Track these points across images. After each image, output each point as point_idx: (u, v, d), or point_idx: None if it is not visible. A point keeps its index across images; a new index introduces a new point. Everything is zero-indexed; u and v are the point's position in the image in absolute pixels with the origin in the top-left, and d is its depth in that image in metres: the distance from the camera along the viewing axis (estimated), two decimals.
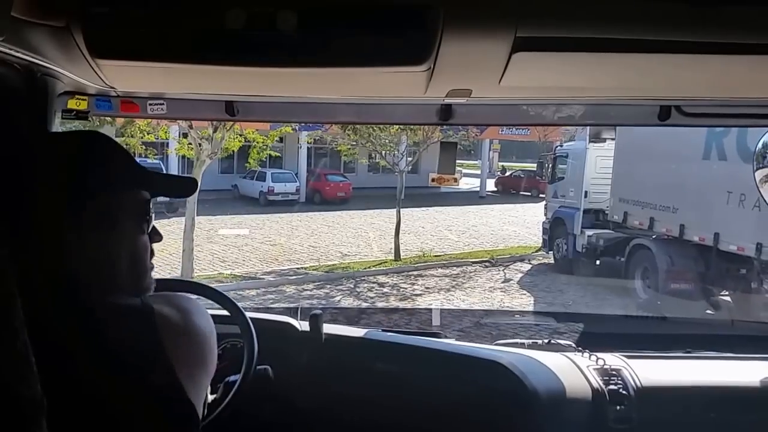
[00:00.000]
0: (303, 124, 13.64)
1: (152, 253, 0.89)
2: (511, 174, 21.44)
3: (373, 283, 9.01)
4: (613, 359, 1.70)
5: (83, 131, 0.95)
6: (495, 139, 20.53)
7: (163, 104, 1.46)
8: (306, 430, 1.52)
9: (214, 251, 10.55)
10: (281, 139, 12.25)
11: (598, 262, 9.12)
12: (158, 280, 1.00)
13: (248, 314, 1.41)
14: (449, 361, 1.66)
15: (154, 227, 0.89)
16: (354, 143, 13.19)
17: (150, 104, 1.45)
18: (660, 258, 7.52)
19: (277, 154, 12.77)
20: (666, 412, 1.61)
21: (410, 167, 20.64)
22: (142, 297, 0.81)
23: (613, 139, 8.90)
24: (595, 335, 2.19)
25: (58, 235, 0.72)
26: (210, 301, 1.39)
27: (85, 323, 0.69)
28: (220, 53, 0.90)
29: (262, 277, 8.98)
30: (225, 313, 1.40)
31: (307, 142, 17.85)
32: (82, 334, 0.67)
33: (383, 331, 1.80)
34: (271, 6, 0.85)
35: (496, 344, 1.80)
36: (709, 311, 7.41)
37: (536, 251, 10.98)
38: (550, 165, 10.67)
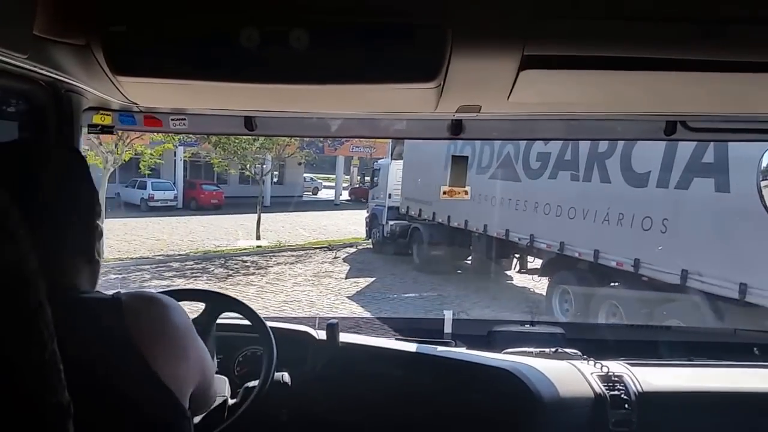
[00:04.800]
0: (182, 140, 16.21)
1: None
2: (360, 185, 25.64)
3: (239, 260, 12.30)
4: (616, 366, 1.75)
5: (64, 145, 1.10)
6: (346, 155, 24.57)
7: (184, 119, 1.49)
8: None
9: (109, 244, 13.09)
10: (161, 154, 14.85)
11: (406, 243, 12.98)
12: (187, 290, 1.30)
13: (268, 323, 1.45)
14: (460, 369, 1.69)
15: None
16: (225, 158, 16.16)
17: (172, 119, 1.49)
18: (425, 235, 11.65)
19: (160, 161, 15.36)
20: (666, 416, 1.64)
21: (276, 179, 24.07)
22: (125, 292, 0.84)
23: None
24: (600, 342, 2.18)
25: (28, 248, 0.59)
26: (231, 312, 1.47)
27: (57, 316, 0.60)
28: (236, 71, 0.92)
29: (153, 257, 11.88)
30: (247, 322, 1.47)
31: (184, 157, 20.37)
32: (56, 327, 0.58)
33: (396, 339, 1.84)
34: (285, 25, 0.87)
35: (505, 353, 1.83)
36: (459, 271, 11.56)
37: (364, 240, 14.90)
38: (371, 176, 14.75)
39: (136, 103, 1.37)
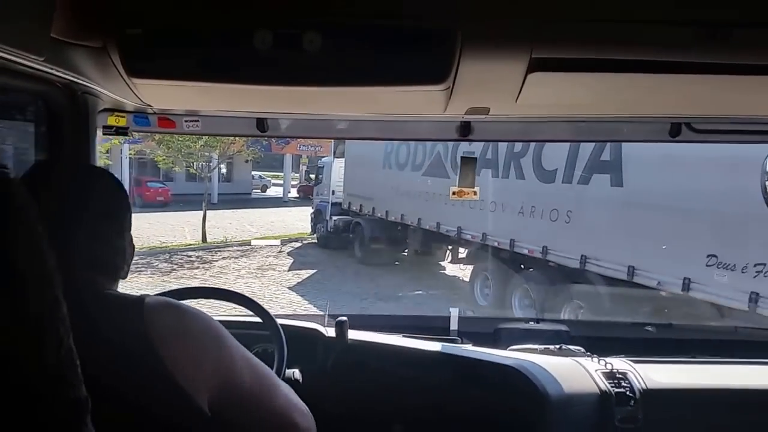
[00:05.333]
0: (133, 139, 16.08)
1: None
2: (308, 183, 25.99)
3: (184, 255, 12.52)
4: (620, 363, 1.76)
5: (95, 167, 1.16)
6: (293, 153, 24.89)
7: (198, 121, 1.50)
8: (331, 430, 1.46)
9: None
10: (107, 150, 14.75)
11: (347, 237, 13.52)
12: (200, 288, 1.33)
13: (278, 321, 1.45)
14: (466, 366, 1.70)
15: None
16: (169, 155, 16.17)
17: (186, 121, 1.50)
18: (366, 229, 12.21)
19: (108, 161, 15.25)
20: (670, 413, 1.65)
21: (224, 176, 24.05)
22: (143, 295, 0.87)
23: None
24: (604, 340, 2.16)
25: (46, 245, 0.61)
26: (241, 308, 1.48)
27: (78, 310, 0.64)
28: (249, 73, 0.93)
29: None
30: (257, 319, 1.47)
31: (130, 155, 20.15)
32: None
33: (404, 336, 1.85)
34: (297, 27, 0.89)
35: (511, 350, 1.84)
36: (396, 262, 12.16)
37: (309, 235, 15.34)
38: (315, 174, 15.21)
39: (150, 105, 1.39)
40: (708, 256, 5.62)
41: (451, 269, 11.26)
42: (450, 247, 10.63)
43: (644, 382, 1.69)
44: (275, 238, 15.05)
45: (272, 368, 1.40)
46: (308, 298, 9.07)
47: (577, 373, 1.72)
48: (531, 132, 1.58)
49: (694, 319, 5.95)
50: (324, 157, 15.67)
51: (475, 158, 1.77)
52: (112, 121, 1.47)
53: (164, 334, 0.81)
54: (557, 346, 1.90)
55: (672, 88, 1.09)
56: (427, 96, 1.07)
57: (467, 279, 9.75)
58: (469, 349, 1.81)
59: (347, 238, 12.94)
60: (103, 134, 1.48)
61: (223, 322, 1.76)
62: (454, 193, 1.74)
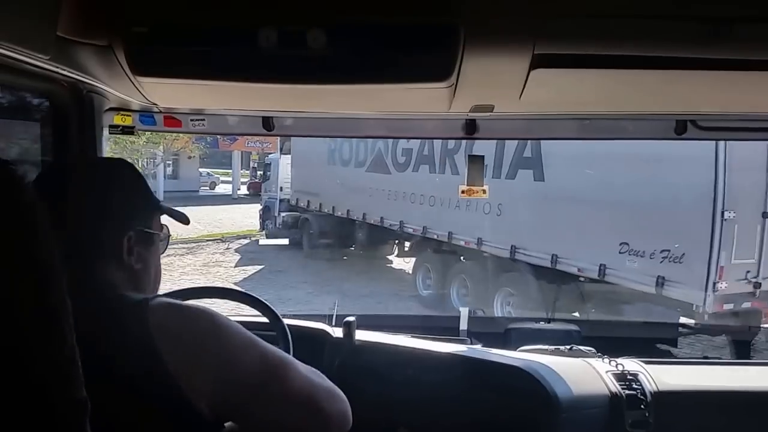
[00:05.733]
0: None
1: None
2: (257, 180, 25.82)
3: None
4: (631, 364, 1.73)
5: (119, 159, 1.04)
6: (242, 150, 24.68)
7: (204, 120, 1.49)
8: None
9: None
10: None
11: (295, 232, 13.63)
12: (207, 288, 1.32)
13: (285, 321, 1.43)
14: (475, 367, 1.68)
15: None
16: (115, 151, 15.81)
17: (192, 120, 1.49)
18: (314, 225, 12.37)
19: None
20: (682, 416, 1.62)
21: (170, 173, 23.55)
22: (146, 296, 0.87)
23: None
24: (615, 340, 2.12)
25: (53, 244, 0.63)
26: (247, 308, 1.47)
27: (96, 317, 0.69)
28: (254, 71, 0.94)
29: None
30: (263, 319, 1.45)
31: None
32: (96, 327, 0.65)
33: (412, 336, 1.82)
34: (302, 25, 0.89)
35: (521, 350, 1.82)
36: (345, 257, 12.36)
37: (258, 232, 15.36)
38: (263, 171, 15.25)
39: (156, 104, 1.39)
40: (620, 244, 6.15)
41: (397, 263, 11.57)
42: (397, 241, 10.96)
43: (656, 384, 1.66)
44: (222, 235, 15.02)
45: None
46: (254, 293, 9.18)
47: (588, 374, 1.70)
48: (536, 130, 1.59)
49: (608, 302, 6.48)
50: (271, 153, 15.70)
51: (483, 156, 1.72)
52: (117, 120, 1.46)
53: (165, 335, 0.80)
54: (568, 347, 1.86)
55: (676, 85, 1.08)
56: (431, 93, 1.07)
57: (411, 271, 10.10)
58: (479, 350, 1.80)
59: (296, 233, 13.05)
60: (110, 133, 1.46)
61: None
62: (463, 192, 1.68)
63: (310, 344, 1.52)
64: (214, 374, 0.83)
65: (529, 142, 7.11)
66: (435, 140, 8.46)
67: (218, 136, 19.08)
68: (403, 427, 1.67)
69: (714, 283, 5.42)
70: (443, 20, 0.91)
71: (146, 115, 1.49)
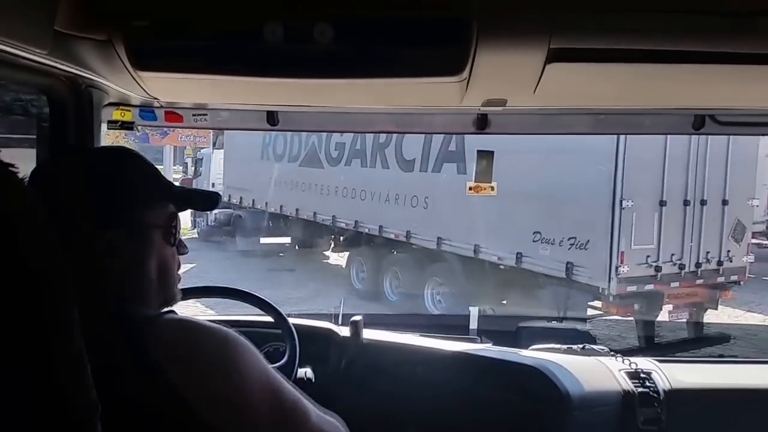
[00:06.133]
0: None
1: (179, 265, 0.92)
2: (189, 176, 25.13)
3: None
4: (644, 363, 1.72)
5: (111, 147, 1.02)
6: (175, 145, 23.93)
7: (206, 115, 1.47)
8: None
9: None
10: None
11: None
12: (208, 288, 1.31)
13: (291, 320, 1.43)
14: (486, 366, 1.66)
15: (180, 240, 0.92)
16: None
17: (194, 115, 1.46)
18: (247, 221, 12.18)
19: None
20: (695, 414, 1.60)
21: None
22: (157, 312, 0.83)
23: None
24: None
25: (90, 248, 0.66)
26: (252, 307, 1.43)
27: (99, 331, 0.65)
28: (259, 65, 0.91)
29: None
30: (268, 319, 1.45)
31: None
32: (94, 340, 0.60)
33: (421, 336, 1.79)
34: (309, 18, 0.87)
35: (532, 349, 1.80)
36: (280, 254, 12.28)
37: (189, 230, 14.94)
38: (194, 165, 14.91)
39: (156, 99, 1.36)
40: (534, 233, 6.52)
41: (334, 258, 11.65)
42: (333, 236, 11.04)
43: (669, 382, 1.65)
44: None
45: (283, 367, 1.36)
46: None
47: (600, 372, 1.69)
48: (550, 124, 1.55)
49: (525, 288, 6.86)
50: (203, 148, 15.38)
51: (492, 152, 1.67)
52: (117, 115, 1.43)
53: (173, 354, 0.77)
54: (580, 346, 1.84)
55: (694, 79, 1.07)
56: (443, 88, 1.05)
57: None
58: (489, 349, 1.78)
59: (229, 230, 12.87)
60: (108, 129, 1.44)
61: (235, 321, 1.61)
62: (470, 189, 1.66)
63: (316, 343, 1.48)
64: (223, 396, 0.79)
65: (454, 136, 7.37)
66: (381, 134, 8.60)
67: (149, 130, 18.41)
68: (413, 428, 1.63)
69: (616, 267, 5.85)
70: (455, 13, 0.88)
71: (146, 110, 1.46)
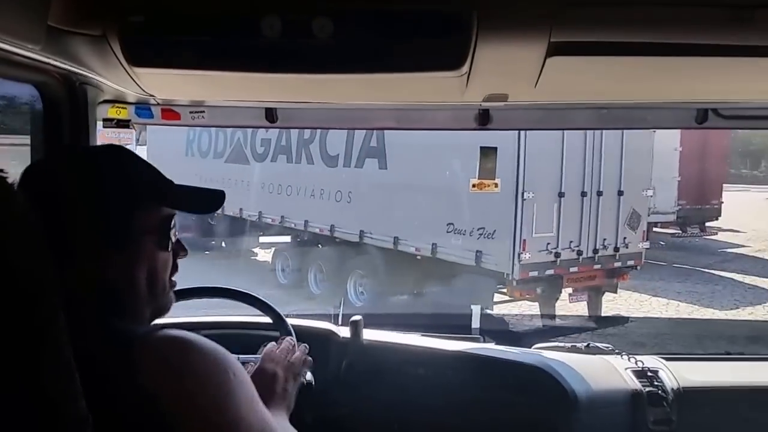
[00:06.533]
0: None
1: (175, 269, 0.87)
2: None
3: None
4: (651, 361, 1.70)
5: (99, 147, 1.02)
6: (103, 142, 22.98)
7: (203, 112, 1.44)
8: None
9: None
10: None
11: None
12: (206, 288, 1.24)
13: (289, 321, 1.39)
14: (489, 365, 1.63)
15: (179, 241, 0.87)
16: None
17: (191, 112, 1.44)
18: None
19: None
20: (705, 413, 1.58)
21: None
22: (143, 327, 0.78)
23: None
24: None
25: (47, 252, 0.60)
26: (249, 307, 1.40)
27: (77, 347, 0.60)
28: (257, 61, 0.90)
29: None
30: (266, 320, 1.41)
31: None
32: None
33: (422, 335, 1.76)
34: (307, 13, 0.85)
35: (536, 348, 1.78)
36: (206, 251, 12.07)
37: None
38: None
39: (153, 96, 1.33)
40: (447, 224, 6.88)
41: (262, 254, 11.62)
42: (261, 233, 11.02)
43: (677, 381, 1.63)
44: None
45: None
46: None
47: (606, 371, 1.66)
48: (552, 119, 1.54)
49: (441, 277, 7.20)
50: (128, 145, 14.87)
51: (495, 148, 1.67)
52: (112, 113, 1.40)
53: (161, 374, 0.71)
54: (585, 344, 1.82)
55: (697, 72, 1.06)
56: (443, 82, 1.03)
57: None
58: (492, 348, 1.75)
59: None
60: (104, 127, 1.40)
61: (233, 323, 1.61)
62: (474, 186, 1.64)
63: (316, 345, 1.41)
64: (207, 418, 0.73)
65: (375, 132, 7.60)
66: (305, 131, 8.67)
67: None
68: (417, 430, 1.62)
69: (519, 254, 6.31)
70: (455, 7, 0.88)
71: (143, 107, 1.43)
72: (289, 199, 9.13)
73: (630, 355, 1.73)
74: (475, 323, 2.23)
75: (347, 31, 0.88)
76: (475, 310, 2.24)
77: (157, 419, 0.69)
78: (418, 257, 7.38)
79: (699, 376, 1.69)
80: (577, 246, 6.72)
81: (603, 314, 7.05)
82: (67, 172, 0.80)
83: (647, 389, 1.60)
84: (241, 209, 10.19)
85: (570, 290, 6.86)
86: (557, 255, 6.60)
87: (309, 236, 8.90)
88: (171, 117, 1.46)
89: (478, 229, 6.58)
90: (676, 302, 8.52)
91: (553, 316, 6.52)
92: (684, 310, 8.18)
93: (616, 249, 7.04)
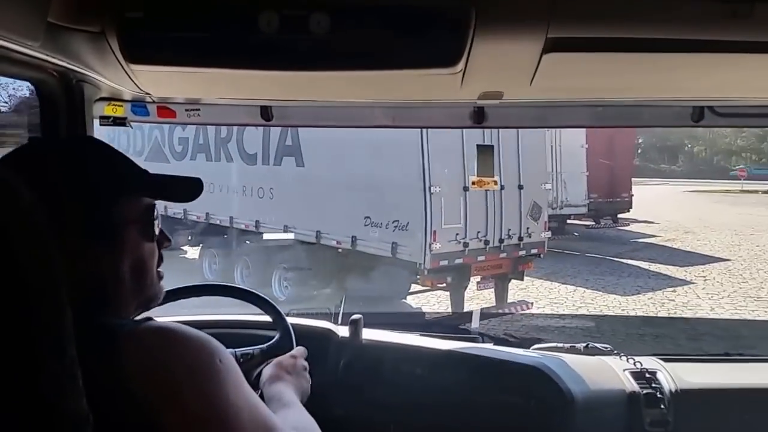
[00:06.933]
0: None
1: (161, 260, 0.85)
2: None
3: None
4: (649, 362, 1.69)
5: (75, 137, 0.99)
6: None
7: (199, 110, 1.44)
8: None
9: None
10: None
11: None
12: (207, 286, 1.26)
13: (288, 319, 1.38)
14: (488, 366, 1.63)
15: (162, 231, 0.85)
16: None
17: (186, 110, 1.44)
18: None
19: None
20: (702, 415, 1.58)
21: None
22: (130, 320, 0.77)
23: None
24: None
25: (54, 249, 0.58)
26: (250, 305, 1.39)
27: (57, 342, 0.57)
28: (254, 58, 0.90)
29: None
30: (265, 318, 1.41)
31: None
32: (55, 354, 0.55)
33: (421, 335, 1.77)
34: (304, 9, 0.85)
35: (534, 349, 1.78)
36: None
37: None
38: None
39: (149, 93, 1.33)
40: (365, 218, 7.24)
41: (191, 252, 11.55)
42: (190, 232, 10.97)
43: (675, 382, 1.63)
44: None
45: None
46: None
47: (604, 372, 1.67)
48: (547, 117, 1.53)
49: (360, 269, 7.55)
50: None
51: (492, 146, 1.70)
52: (109, 110, 1.40)
53: (146, 367, 0.70)
54: (583, 345, 1.82)
55: (694, 69, 1.05)
56: (439, 80, 1.04)
57: None
58: (491, 349, 1.76)
59: None
60: (100, 124, 1.40)
61: (231, 321, 1.62)
62: (473, 183, 1.70)
63: (314, 344, 1.41)
64: (194, 409, 0.71)
65: (290, 131, 7.84)
66: (222, 129, 8.74)
67: None
68: (415, 430, 1.62)
69: (430, 245, 6.76)
70: (453, 2, 0.88)
71: (139, 105, 1.43)
72: (213, 196, 9.15)
73: (628, 356, 1.75)
74: (475, 324, 2.25)
75: (344, 27, 0.88)
76: (475, 311, 2.29)
77: (146, 408, 0.69)
78: (340, 250, 7.71)
79: (697, 377, 1.70)
80: (484, 236, 7.22)
81: (509, 301, 7.59)
82: (46, 165, 0.78)
83: (645, 390, 1.61)
84: (165, 207, 10.10)
85: (478, 278, 7.36)
86: (465, 245, 7.08)
87: (235, 232, 9.01)
88: (167, 115, 1.46)
89: (393, 222, 6.96)
90: (582, 289, 9.14)
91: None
92: (588, 296, 8.79)
93: (520, 238, 7.60)
